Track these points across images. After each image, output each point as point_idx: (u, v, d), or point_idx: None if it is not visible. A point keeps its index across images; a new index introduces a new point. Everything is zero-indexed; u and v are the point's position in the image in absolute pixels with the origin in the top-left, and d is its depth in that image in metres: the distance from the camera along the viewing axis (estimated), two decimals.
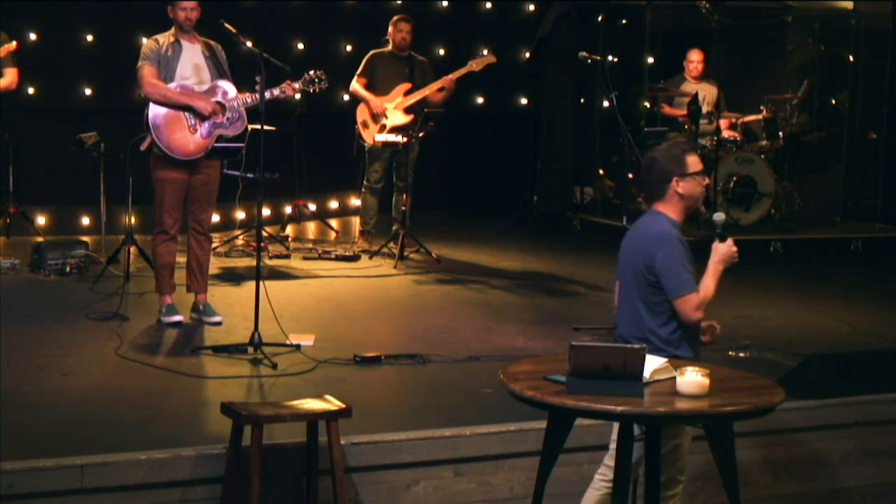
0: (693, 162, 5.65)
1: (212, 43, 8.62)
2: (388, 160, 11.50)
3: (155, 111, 8.32)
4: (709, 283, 5.53)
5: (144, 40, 8.74)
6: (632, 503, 5.24)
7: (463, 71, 11.39)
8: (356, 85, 11.43)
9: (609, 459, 5.55)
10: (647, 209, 5.74)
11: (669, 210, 5.64)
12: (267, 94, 8.28)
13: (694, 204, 5.70)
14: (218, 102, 8.44)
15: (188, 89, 8.40)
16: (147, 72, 8.36)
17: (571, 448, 5.84)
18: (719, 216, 5.75)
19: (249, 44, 8.29)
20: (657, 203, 5.67)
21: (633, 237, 5.73)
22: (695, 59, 13.58)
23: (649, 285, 5.53)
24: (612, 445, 5.49)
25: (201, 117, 8.37)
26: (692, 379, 4.79)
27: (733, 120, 13.46)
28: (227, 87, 8.51)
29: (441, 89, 11.34)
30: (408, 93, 11.34)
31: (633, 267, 5.61)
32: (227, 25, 8.26)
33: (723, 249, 5.59)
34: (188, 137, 8.35)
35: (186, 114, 8.35)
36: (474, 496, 6.31)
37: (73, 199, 12.04)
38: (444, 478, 6.23)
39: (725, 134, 13.20)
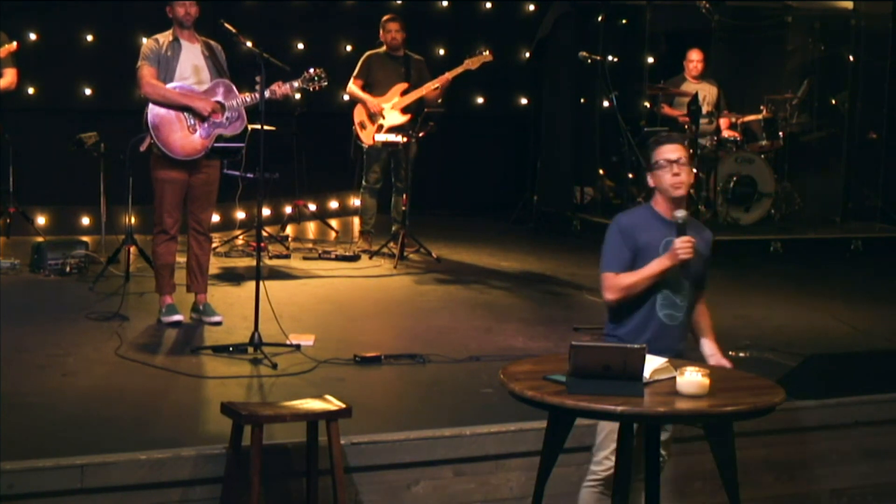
0: (661, 152, 5.72)
1: (212, 43, 8.62)
2: (386, 160, 11.50)
3: (154, 111, 8.32)
4: (640, 271, 5.62)
5: (144, 40, 8.74)
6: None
7: (460, 70, 11.38)
8: (353, 87, 11.44)
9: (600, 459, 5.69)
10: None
11: (656, 202, 5.77)
12: (267, 94, 8.29)
13: (670, 192, 5.68)
14: (217, 102, 8.44)
15: (187, 89, 8.40)
16: (146, 72, 8.36)
17: (571, 448, 5.84)
18: (680, 212, 5.63)
19: (249, 44, 8.29)
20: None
21: None
22: (694, 58, 13.59)
23: None
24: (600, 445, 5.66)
25: (200, 117, 8.37)
26: (692, 379, 4.79)
27: (733, 120, 13.46)
28: (227, 87, 8.51)
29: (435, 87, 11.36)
30: (404, 92, 11.34)
31: None
32: (227, 25, 8.27)
33: (674, 244, 5.59)
34: (187, 137, 8.35)
35: (186, 114, 8.35)
36: (474, 496, 6.30)
37: (73, 199, 12.04)
38: (444, 478, 6.23)
39: (725, 134, 13.20)
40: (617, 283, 5.64)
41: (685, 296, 5.71)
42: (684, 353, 5.70)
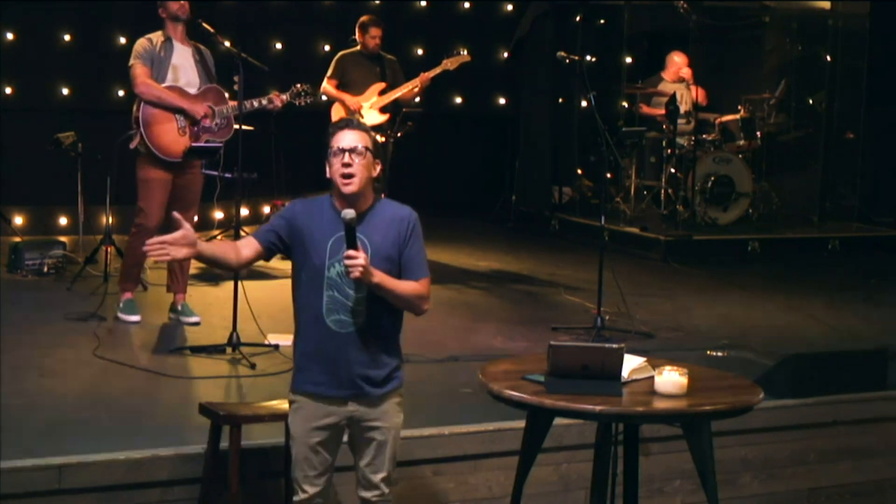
0: (336, 138, 5.05)
1: (201, 47, 8.59)
2: None
3: (147, 109, 8.27)
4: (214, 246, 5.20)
5: (122, 40, 8.74)
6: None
7: (438, 70, 11.33)
8: (328, 86, 11.37)
9: None
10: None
11: (334, 193, 5.08)
12: (255, 104, 8.29)
13: (339, 187, 4.98)
14: (209, 107, 8.42)
15: (181, 91, 8.37)
16: (140, 71, 8.30)
17: (550, 448, 5.85)
18: (348, 212, 4.84)
19: (227, 44, 8.27)
20: None
21: None
22: (678, 61, 13.57)
23: None
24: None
25: (192, 120, 8.34)
26: (670, 378, 4.80)
27: (711, 120, 13.49)
28: (217, 92, 8.49)
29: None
30: (383, 92, 11.31)
31: None
32: (204, 25, 8.24)
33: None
34: (177, 139, 8.32)
35: (178, 115, 8.32)
36: (453, 496, 6.31)
37: (51, 199, 11.99)
38: (422, 477, 6.23)
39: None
40: (241, 245, 5.06)
41: (362, 299, 5.04)
42: (395, 373, 5.28)
